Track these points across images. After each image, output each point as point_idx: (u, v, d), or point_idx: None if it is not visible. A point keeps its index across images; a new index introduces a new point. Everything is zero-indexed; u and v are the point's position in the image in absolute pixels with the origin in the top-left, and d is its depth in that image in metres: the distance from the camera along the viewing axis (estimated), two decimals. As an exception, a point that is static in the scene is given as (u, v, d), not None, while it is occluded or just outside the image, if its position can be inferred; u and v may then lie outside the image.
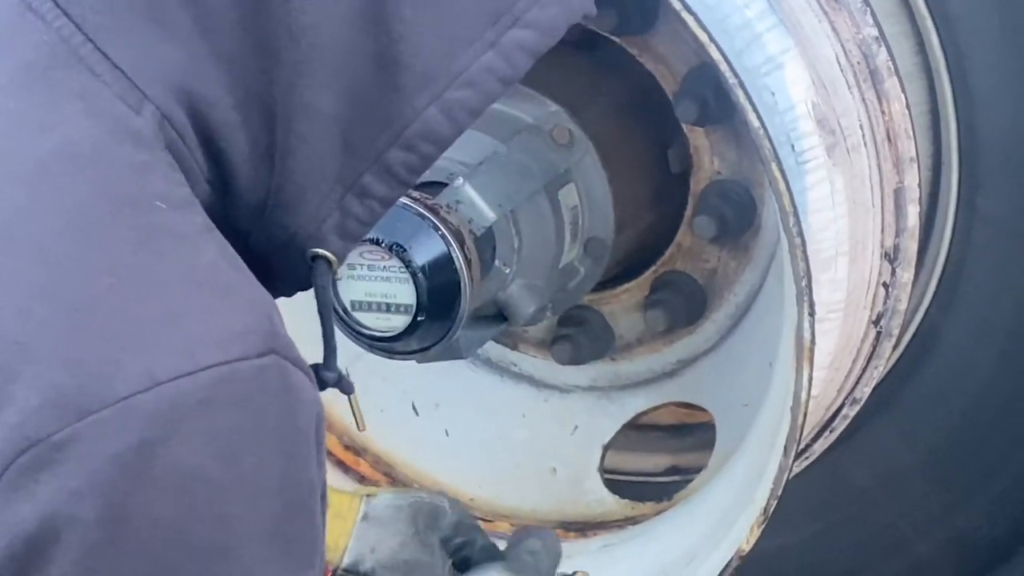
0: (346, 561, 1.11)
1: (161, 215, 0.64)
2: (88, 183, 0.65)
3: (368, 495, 1.10)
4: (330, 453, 1.49)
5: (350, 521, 1.11)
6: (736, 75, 1.06)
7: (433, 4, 0.69)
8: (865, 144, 1.23)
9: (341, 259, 0.73)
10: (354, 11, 0.68)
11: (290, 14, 0.66)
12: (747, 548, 1.10)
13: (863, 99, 1.22)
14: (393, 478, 1.52)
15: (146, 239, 0.64)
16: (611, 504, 1.48)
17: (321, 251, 0.72)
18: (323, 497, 0.69)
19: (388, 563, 1.13)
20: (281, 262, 0.75)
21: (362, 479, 1.47)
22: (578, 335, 1.49)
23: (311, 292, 0.75)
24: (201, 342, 0.62)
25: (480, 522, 1.34)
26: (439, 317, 1.14)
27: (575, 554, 1.36)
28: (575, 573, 1.16)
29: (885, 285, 1.26)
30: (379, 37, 0.69)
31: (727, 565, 1.13)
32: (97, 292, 0.62)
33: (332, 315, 0.79)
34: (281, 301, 0.68)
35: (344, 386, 0.77)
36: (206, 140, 0.69)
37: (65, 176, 0.65)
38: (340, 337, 0.92)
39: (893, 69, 1.23)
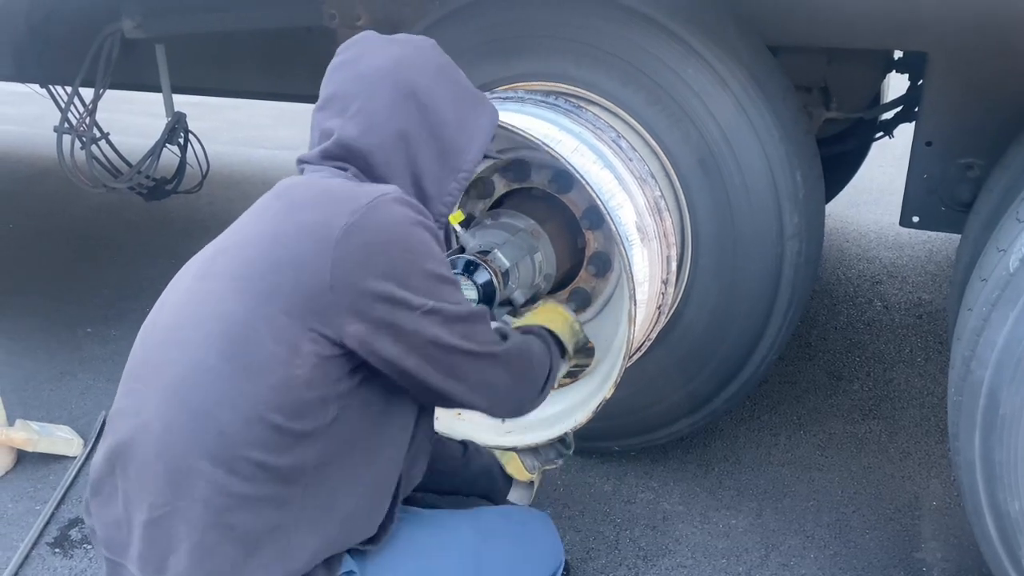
0: None
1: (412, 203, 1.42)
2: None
3: None
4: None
5: None
6: (608, 211, 1.83)
7: (459, 121, 1.52)
8: (655, 237, 2.03)
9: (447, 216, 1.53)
10: (437, 148, 1.49)
11: (416, 149, 1.47)
12: (609, 396, 1.88)
13: (655, 219, 2.04)
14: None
15: (418, 212, 1.40)
16: (555, 380, 2.24)
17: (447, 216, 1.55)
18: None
19: None
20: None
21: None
22: (541, 313, 2.27)
23: None
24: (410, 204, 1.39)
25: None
26: (487, 303, 1.89)
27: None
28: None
29: (662, 293, 2.07)
30: (445, 145, 1.50)
31: (600, 402, 1.91)
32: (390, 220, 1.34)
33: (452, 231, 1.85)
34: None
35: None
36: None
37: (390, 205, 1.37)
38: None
39: (665, 206, 2.09)
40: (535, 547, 1.76)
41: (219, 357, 1.32)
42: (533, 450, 2.12)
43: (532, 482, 2.12)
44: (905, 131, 3.18)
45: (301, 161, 1.52)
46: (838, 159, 3.41)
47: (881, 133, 3.35)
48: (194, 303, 1.38)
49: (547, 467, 2.15)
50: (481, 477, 2.06)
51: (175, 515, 1.33)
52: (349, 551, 1.52)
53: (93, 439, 2.68)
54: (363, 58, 1.51)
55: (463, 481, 2.04)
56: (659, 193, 2.11)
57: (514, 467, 2.10)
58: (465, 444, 2.10)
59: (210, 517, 1.31)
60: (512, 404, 1.58)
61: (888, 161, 5.28)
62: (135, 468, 1.36)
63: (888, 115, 3.15)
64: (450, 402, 1.47)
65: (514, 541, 1.74)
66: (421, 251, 1.36)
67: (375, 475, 1.47)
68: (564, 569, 2.08)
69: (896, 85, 3.25)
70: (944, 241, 4.18)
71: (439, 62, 1.55)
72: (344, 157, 1.47)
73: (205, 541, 1.32)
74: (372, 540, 1.54)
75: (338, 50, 1.57)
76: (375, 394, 1.41)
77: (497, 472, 2.09)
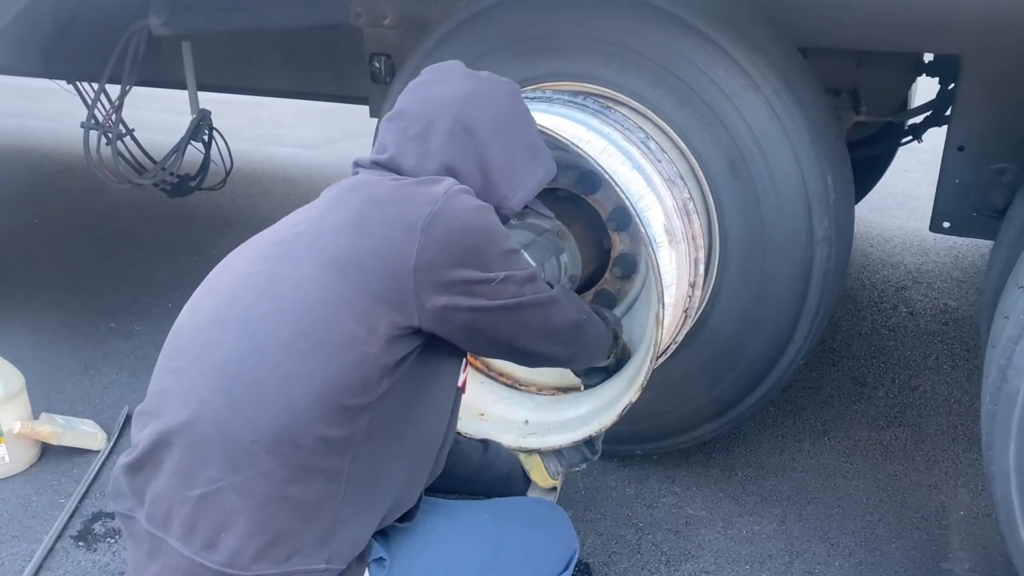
0: None
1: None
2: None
3: None
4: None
5: None
6: (636, 212, 1.82)
7: (508, 166, 1.60)
8: (683, 240, 2.01)
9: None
10: (480, 184, 1.58)
11: (461, 182, 1.54)
12: (635, 399, 1.86)
13: (683, 221, 2.02)
14: (490, 367, 2.34)
15: (485, 207, 1.52)
16: (577, 381, 2.23)
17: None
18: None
19: None
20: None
21: (478, 370, 2.31)
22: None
23: None
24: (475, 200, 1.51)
25: (522, 385, 2.26)
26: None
27: (567, 400, 2.23)
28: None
29: (689, 296, 2.06)
30: (489, 185, 1.59)
31: (627, 405, 1.89)
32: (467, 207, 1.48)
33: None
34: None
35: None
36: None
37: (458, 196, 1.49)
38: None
39: (694, 208, 2.06)
40: (550, 535, 1.77)
41: (293, 334, 1.37)
42: (557, 453, 2.10)
43: (555, 488, 2.10)
44: (931, 135, 3.16)
45: (357, 164, 1.62)
46: (865, 163, 3.38)
47: (909, 137, 3.31)
48: (259, 287, 1.43)
49: (571, 470, 2.13)
50: (499, 482, 2.07)
51: (233, 489, 1.35)
52: (376, 538, 1.55)
53: (117, 433, 2.69)
54: (439, 84, 1.60)
55: (481, 485, 2.05)
56: (688, 195, 2.09)
57: (537, 473, 2.09)
58: (486, 445, 2.10)
59: (271, 489, 1.34)
60: (579, 344, 1.66)
61: (913, 166, 5.24)
62: (188, 444, 1.37)
63: (917, 119, 3.11)
64: (521, 354, 1.58)
65: (530, 528, 1.76)
66: (494, 231, 1.48)
67: (415, 447, 1.52)
68: (586, 571, 2.08)
69: (923, 89, 3.21)
70: (970, 247, 4.14)
71: (510, 107, 1.63)
72: (393, 171, 1.56)
73: (264, 513, 1.34)
74: (407, 516, 1.59)
75: (423, 70, 1.68)
76: (420, 371, 1.47)
77: (517, 477, 2.10)
